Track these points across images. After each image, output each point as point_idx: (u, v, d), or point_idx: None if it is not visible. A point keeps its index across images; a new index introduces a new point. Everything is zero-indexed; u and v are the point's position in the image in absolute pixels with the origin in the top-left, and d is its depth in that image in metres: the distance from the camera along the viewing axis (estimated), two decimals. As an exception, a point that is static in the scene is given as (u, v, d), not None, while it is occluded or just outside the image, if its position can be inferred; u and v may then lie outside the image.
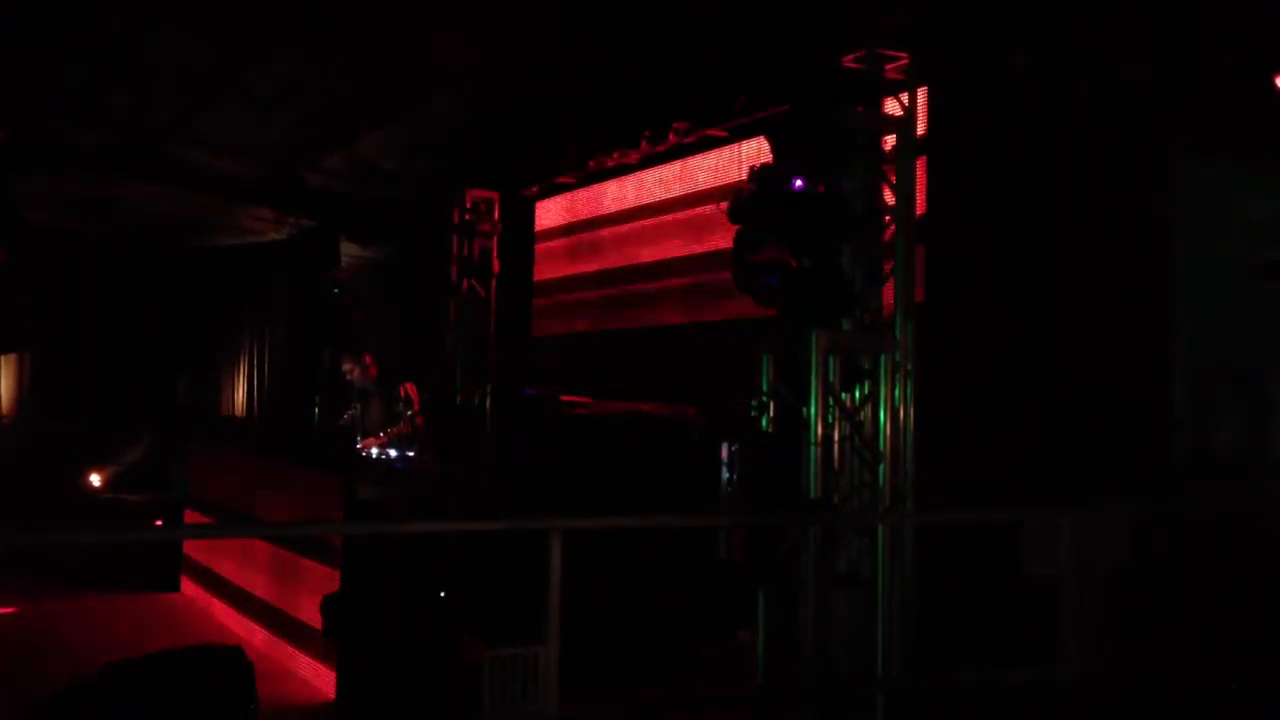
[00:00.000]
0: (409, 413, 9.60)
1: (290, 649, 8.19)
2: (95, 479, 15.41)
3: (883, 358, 6.33)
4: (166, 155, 11.63)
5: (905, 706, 6.00)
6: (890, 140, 6.53)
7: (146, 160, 11.63)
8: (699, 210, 9.80)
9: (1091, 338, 6.44)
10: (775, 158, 6.32)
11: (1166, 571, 5.92)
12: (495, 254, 11.93)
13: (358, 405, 9.88)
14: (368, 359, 10.01)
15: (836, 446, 6.25)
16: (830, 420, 6.21)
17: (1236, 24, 6.03)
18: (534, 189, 11.78)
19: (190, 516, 11.46)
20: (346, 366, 9.96)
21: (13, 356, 16.69)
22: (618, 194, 10.92)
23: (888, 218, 6.47)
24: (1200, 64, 6.12)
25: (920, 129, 6.57)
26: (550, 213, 12.24)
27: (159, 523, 12.80)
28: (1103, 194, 6.44)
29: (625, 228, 10.84)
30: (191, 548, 11.10)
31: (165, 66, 9.31)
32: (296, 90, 9.72)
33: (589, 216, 11.42)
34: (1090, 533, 5.37)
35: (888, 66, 6.43)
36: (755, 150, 8.61)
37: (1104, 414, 6.30)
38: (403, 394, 9.62)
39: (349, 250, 13.91)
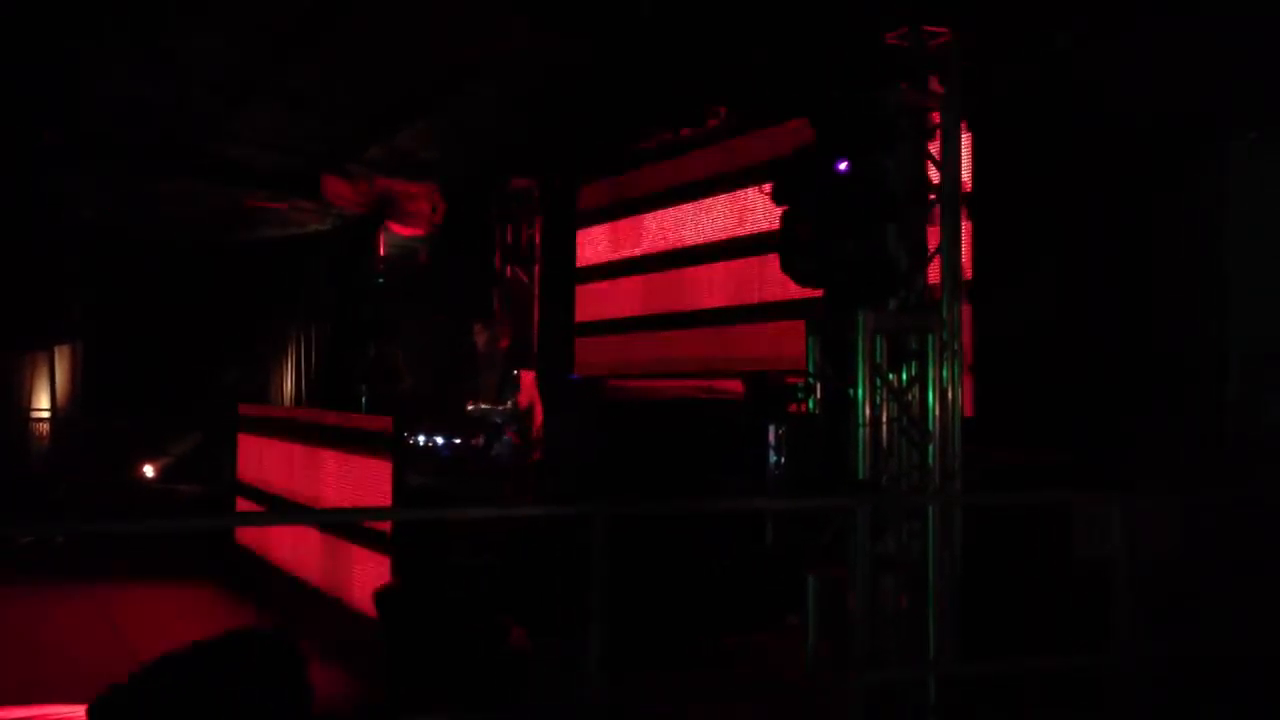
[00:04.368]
0: (512, 399, 9.65)
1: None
2: (148, 470, 15.64)
3: (930, 338, 6.25)
4: (211, 150, 11.74)
5: (956, 689, 5.95)
6: (934, 117, 6.44)
7: (191, 156, 11.75)
8: (742, 192, 9.74)
9: (1142, 319, 6.34)
10: (818, 138, 6.26)
11: (1218, 555, 5.82)
12: (538, 240, 11.94)
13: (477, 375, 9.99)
14: (502, 329, 10.08)
15: (884, 428, 6.19)
16: (878, 401, 6.16)
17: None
18: (575, 174, 11.75)
19: (241, 505, 11.61)
20: (477, 329, 10.06)
21: (65, 350, 16.93)
22: (659, 178, 10.88)
23: (933, 196, 6.39)
24: (1250, 41, 5.99)
25: (965, 106, 6.47)
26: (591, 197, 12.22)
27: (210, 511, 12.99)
28: (1153, 173, 6.32)
29: (668, 211, 10.80)
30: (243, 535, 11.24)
31: (207, 64, 9.38)
32: (335, 84, 9.76)
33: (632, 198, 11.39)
34: (1142, 516, 5.29)
35: (931, 43, 6.34)
36: (797, 131, 8.54)
37: (1156, 396, 6.20)
38: (524, 380, 9.67)
39: (391, 240, 13.98)
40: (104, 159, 11.77)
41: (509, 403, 9.62)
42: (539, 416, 9.81)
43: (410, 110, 10.22)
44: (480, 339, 10.02)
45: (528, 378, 9.67)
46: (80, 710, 4.54)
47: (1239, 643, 5.58)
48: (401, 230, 13.89)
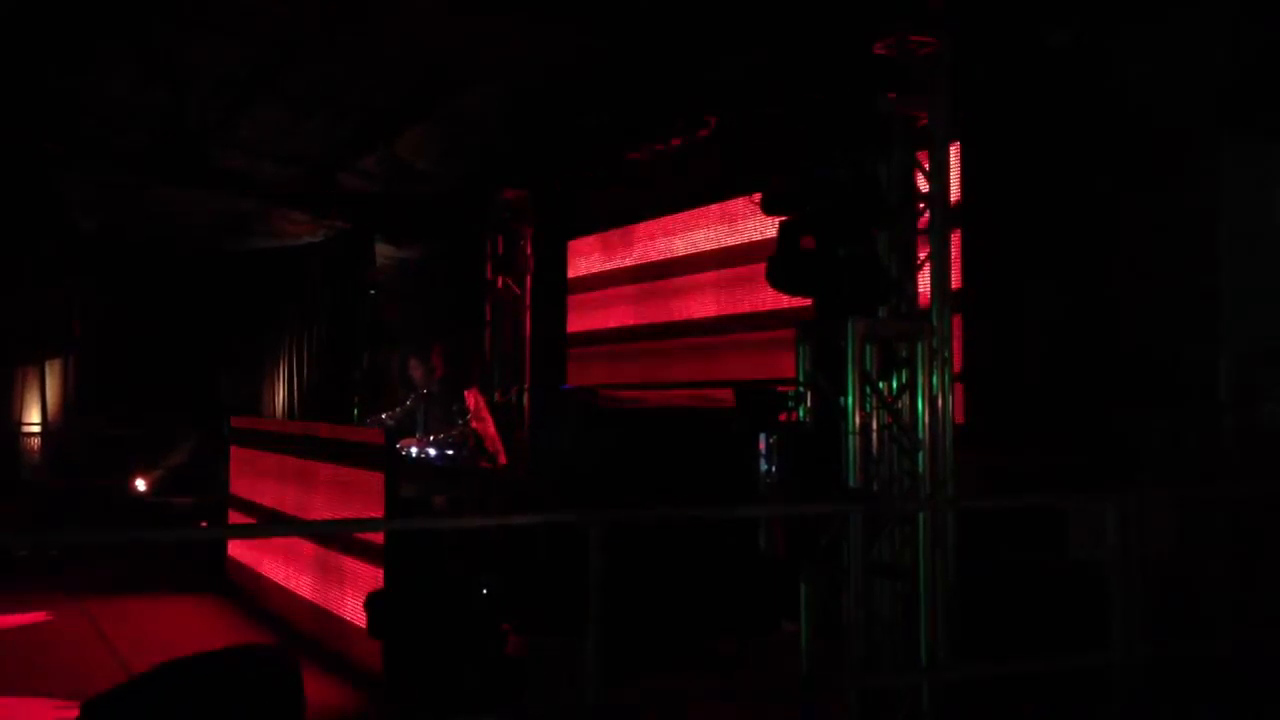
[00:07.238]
0: (463, 421, 9.62)
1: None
2: (140, 483, 15.59)
3: (919, 345, 6.29)
4: (206, 159, 11.73)
5: (950, 694, 5.97)
6: (923, 125, 6.47)
7: (186, 164, 11.74)
8: (732, 202, 9.77)
9: (1135, 320, 6.37)
10: (808, 147, 6.29)
11: (1216, 555, 5.84)
12: (529, 250, 11.95)
13: (421, 406, 9.93)
14: (436, 359, 10.06)
15: (875, 435, 6.21)
16: (868, 409, 6.18)
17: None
18: (566, 184, 11.77)
19: (233, 518, 11.59)
20: (413, 364, 10.01)
21: (57, 361, 16.90)
22: (650, 189, 10.90)
23: (922, 204, 6.42)
24: (1242, 37, 6.03)
25: (953, 114, 6.51)
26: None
27: (203, 523, 12.97)
28: (1144, 173, 6.36)
29: (659, 221, 10.82)
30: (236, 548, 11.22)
31: (204, 70, 9.40)
32: (331, 92, 9.77)
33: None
34: (1137, 517, 5.31)
35: (919, 53, 6.38)
36: (786, 141, 8.56)
37: (1150, 396, 6.22)
38: (469, 401, 9.62)
39: (384, 251, 13.98)
40: (99, 165, 11.75)
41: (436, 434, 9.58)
42: (491, 427, 9.80)
43: (404, 119, 10.23)
44: (417, 374, 10.00)
45: (471, 396, 9.69)
46: (73, 706, 4.57)
47: (1235, 643, 5.60)
48: (393, 241, 13.90)
